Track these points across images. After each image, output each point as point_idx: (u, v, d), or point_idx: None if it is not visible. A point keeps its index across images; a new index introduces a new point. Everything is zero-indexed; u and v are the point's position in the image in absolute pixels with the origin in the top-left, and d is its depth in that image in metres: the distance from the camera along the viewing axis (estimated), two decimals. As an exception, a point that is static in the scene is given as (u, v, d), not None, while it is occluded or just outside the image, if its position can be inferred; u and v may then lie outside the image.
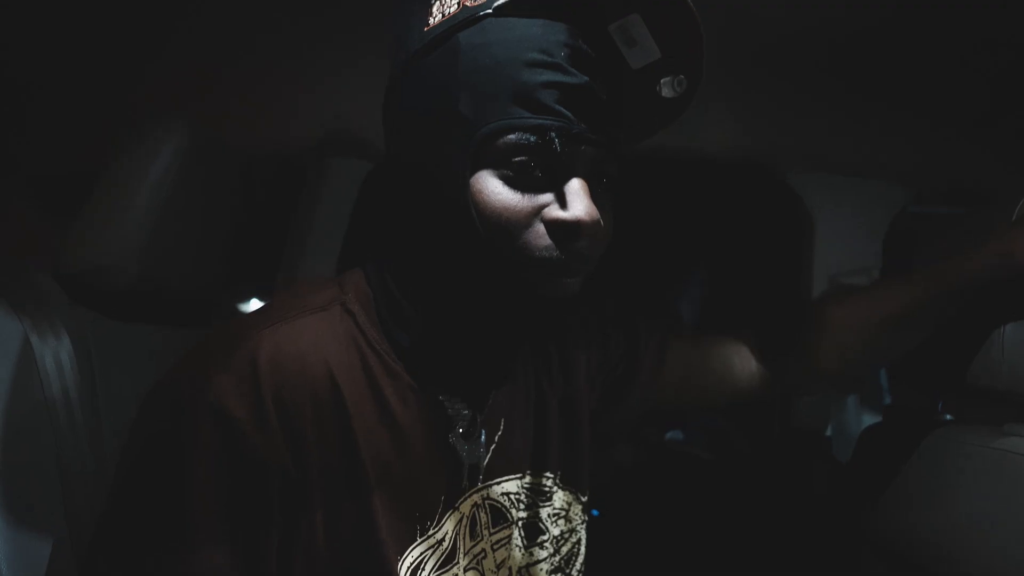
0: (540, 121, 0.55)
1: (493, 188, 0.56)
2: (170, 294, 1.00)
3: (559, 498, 0.76)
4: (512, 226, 0.56)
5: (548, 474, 0.76)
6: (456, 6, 0.58)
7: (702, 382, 0.88)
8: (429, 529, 0.63)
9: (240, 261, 1.15)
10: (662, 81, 0.63)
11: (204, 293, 1.08)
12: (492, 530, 0.69)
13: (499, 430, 0.71)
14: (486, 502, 0.69)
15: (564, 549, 0.76)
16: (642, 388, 0.84)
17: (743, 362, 0.89)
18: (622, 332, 0.85)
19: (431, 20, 0.59)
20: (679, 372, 0.86)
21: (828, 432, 1.40)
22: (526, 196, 0.57)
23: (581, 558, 0.78)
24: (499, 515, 0.70)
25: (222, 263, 1.10)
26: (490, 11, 0.56)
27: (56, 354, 0.82)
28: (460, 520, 0.66)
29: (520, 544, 0.72)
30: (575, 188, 0.57)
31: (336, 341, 0.62)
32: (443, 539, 0.64)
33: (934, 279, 0.83)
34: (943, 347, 0.90)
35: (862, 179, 1.33)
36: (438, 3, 0.60)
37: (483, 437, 0.69)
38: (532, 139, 0.55)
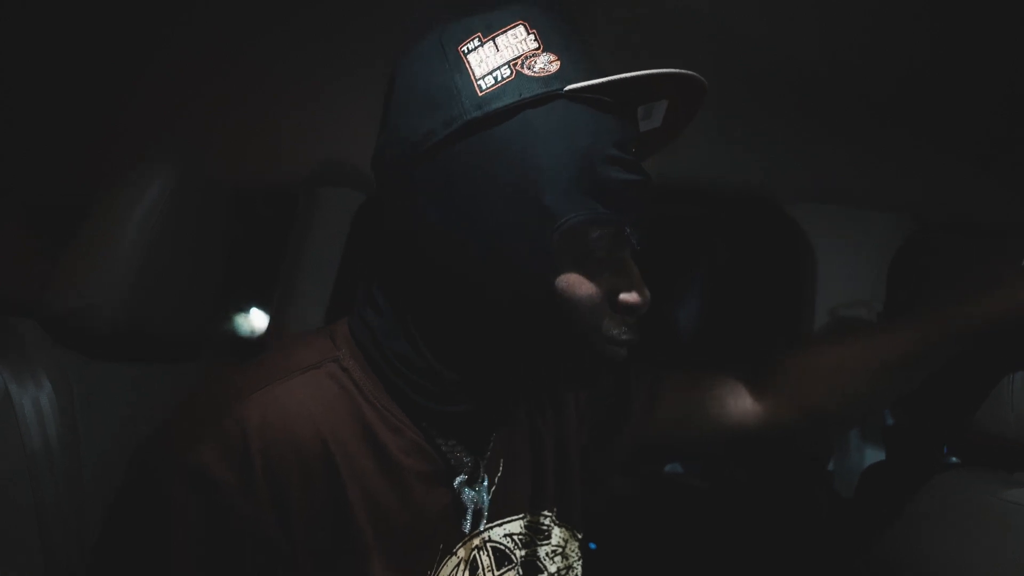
0: (621, 219, 0.58)
1: (576, 279, 0.58)
2: (158, 334, 0.98)
3: (556, 535, 0.76)
4: (591, 312, 0.59)
5: (546, 512, 0.76)
6: (509, 72, 0.55)
7: (696, 423, 0.86)
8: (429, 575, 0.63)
9: (231, 295, 1.13)
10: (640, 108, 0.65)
11: (193, 330, 1.06)
12: (497, 572, 0.69)
13: (499, 472, 0.71)
14: (488, 544, 0.69)
15: None
16: (633, 429, 0.84)
17: (738, 403, 0.87)
18: (611, 375, 0.85)
19: (478, 82, 0.56)
20: (671, 413, 0.85)
21: (830, 467, 1.38)
22: (599, 281, 0.60)
23: None
24: (503, 557, 0.70)
25: (211, 299, 1.08)
26: (561, 92, 0.55)
27: (36, 401, 0.80)
28: (458, 565, 0.65)
29: None
30: (636, 273, 0.62)
31: (328, 402, 0.60)
32: None
33: (939, 325, 0.80)
34: (950, 391, 0.89)
35: (865, 210, 1.32)
36: (476, 58, 0.56)
37: (485, 481, 0.69)
38: (611, 230, 0.58)
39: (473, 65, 0.56)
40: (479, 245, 0.57)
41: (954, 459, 1.02)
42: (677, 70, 0.55)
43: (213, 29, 0.96)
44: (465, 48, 0.56)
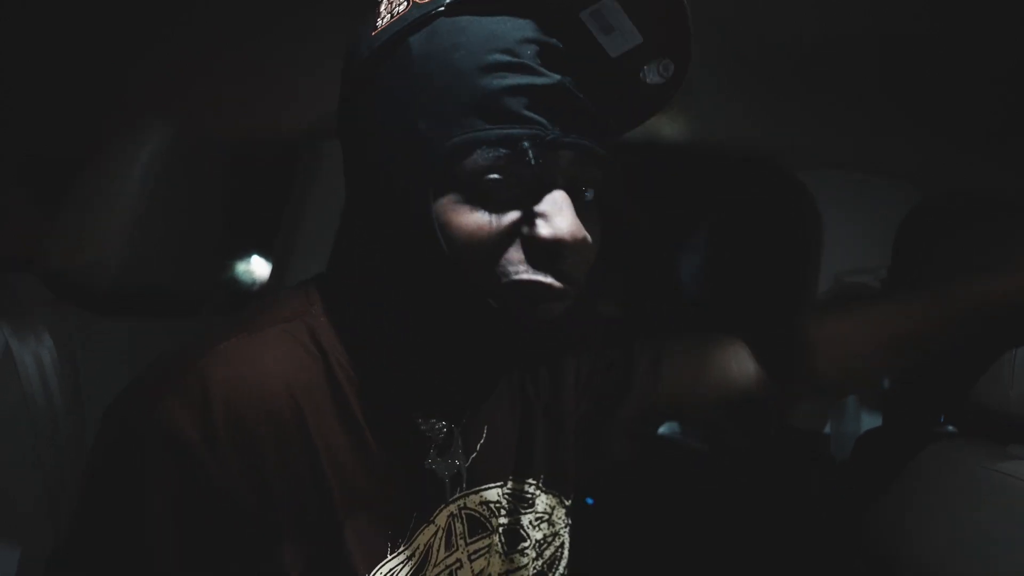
0: (509, 131, 0.49)
1: (462, 210, 0.51)
2: (159, 288, 0.98)
3: (542, 502, 0.74)
4: (486, 250, 0.51)
5: (531, 480, 0.73)
6: (405, 5, 0.52)
7: (699, 391, 0.85)
8: (400, 546, 0.60)
9: (233, 248, 1.12)
10: (646, 67, 0.57)
11: (194, 284, 1.06)
12: (469, 540, 0.66)
13: (480, 439, 0.69)
14: (463, 512, 0.66)
15: (547, 553, 0.74)
16: (637, 397, 0.82)
17: (741, 368, 0.85)
18: (615, 345, 0.83)
19: (379, 22, 0.54)
20: (675, 383, 0.84)
21: (826, 430, 1.40)
22: (499, 215, 0.52)
23: (564, 561, 0.77)
24: (477, 524, 0.67)
25: (212, 252, 1.07)
26: (442, 9, 0.50)
27: (37, 356, 0.81)
28: (436, 532, 0.63)
29: (501, 551, 0.70)
30: (555, 201, 0.52)
31: (296, 359, 0.57)
32: (414, 554, 0.61)
33: (950, 302, 0.79)
34: (951, 361, 0.89)
35: (872, 178, 1.30)
36: (386, 2, 0.55)
37: (461, 449, 0.66)
38: (502, 152, 0.50)
39: (381, 8, 0.54)
40: (384, 199, 0.54)
41: (951, 428, 1.03)
42: None
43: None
44: None
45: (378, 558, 0.58)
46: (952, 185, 1.28)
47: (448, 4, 0.51)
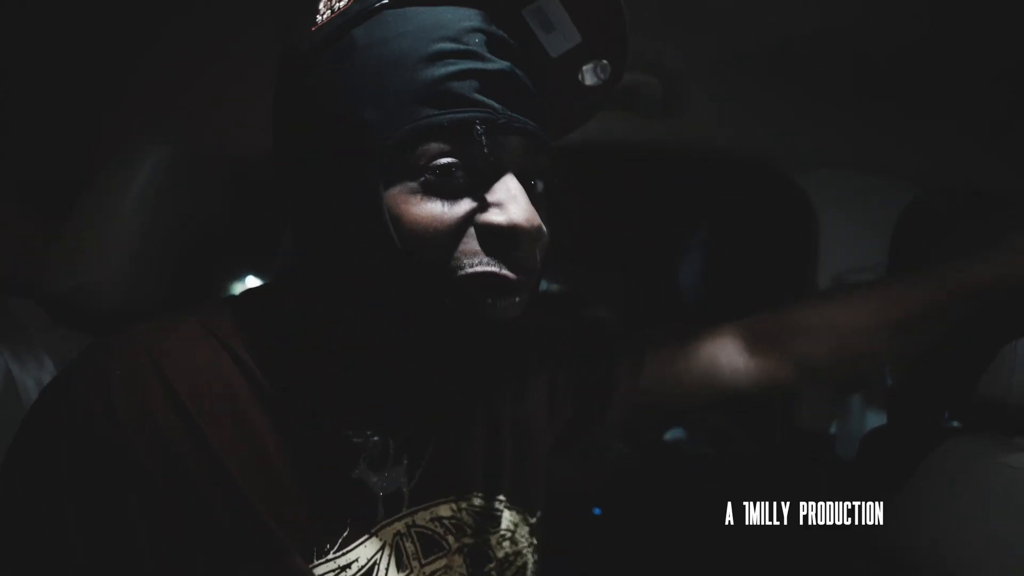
0: (459, 115, 0.48)
1: (413, 200, 0.49)
2: (156, 310, 0.98)
3: (506, 519, 0.70)
4: (440, 242, 0.50)
5: (500, 496, 0.70)
6: (346, 0, 0.52)
7: (686, 387, 0.83)
8: (328, 553, 0.56)
9: (229, 270, 1.12)
10: (584, 68, 0.58)
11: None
12: (424, 560, 0.62)
13: (427, 452, 0.65)
14: (412, 530, 0.62)
15: (508, 573, 0.70)
16: (620, 403, 0.80)
17: (730, 361, 0.83)
18: (595, 348, 0.82)
19: (319, 18, 0.53)
20: (660, 379, 0.82)
21: (831, 431, 1.39)
22: (451, 203, 0.50)
23: None
24: (431, 543, 0.63)
25: (209, 274, 1.07)
26: (386, 1, 0.50)
27: (39, 381, 0.81)
28: (380, 548, 0.59)
29: (464, 572, 0.66)
30: (508, 188, 0.51)
31: (203, 353, 0.55)
32: (349, 565, 0.57)
33: (944, 287, 0.78)
34: (952, 356, 0.89)
35: (868, 176, 1.31)
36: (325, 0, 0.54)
37: (405, 463, 0.62)
38: (452, 138, 0.49)
39: (321, 4, 0.54)
40: (327, 194, 0.52)
41: (955, 423, 1.03)
42: None
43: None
44: None
45: (300, 560, 0.55)
46: (947, 182, 1.29)
47: None
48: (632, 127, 1.21)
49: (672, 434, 1.72)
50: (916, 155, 1.25)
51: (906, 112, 1.09)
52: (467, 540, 0.66)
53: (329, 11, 0.53)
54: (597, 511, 1.57)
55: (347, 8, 0.52)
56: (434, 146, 0.49)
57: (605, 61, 0.57)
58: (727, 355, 0.83)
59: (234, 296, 0.64)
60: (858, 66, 0.97)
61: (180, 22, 0.98)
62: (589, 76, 0.58)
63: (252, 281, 1.40)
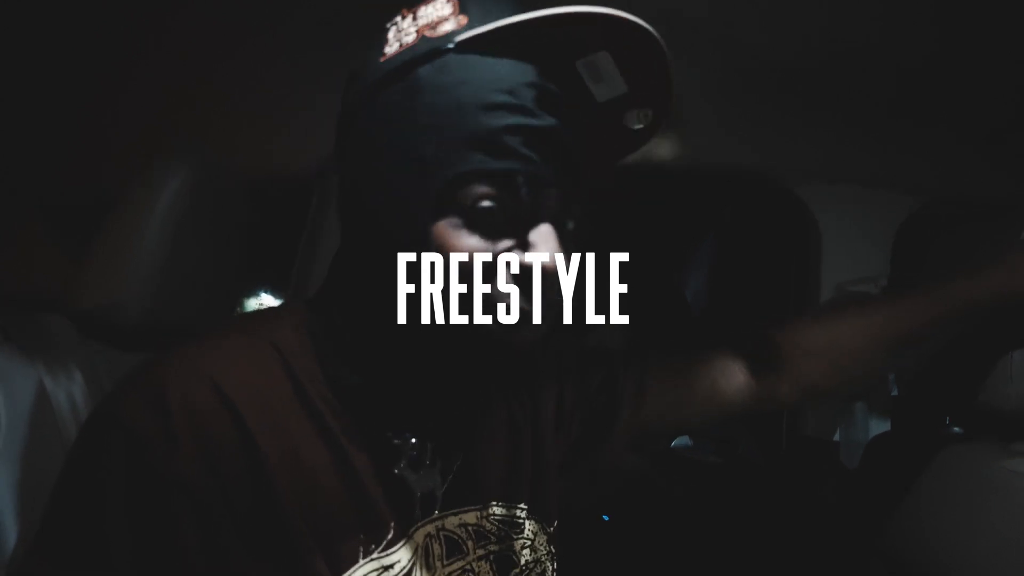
0: (506, 166, 0.54)
1: (458, 234, 0.55)
2: (181, 326, 1.01)
3: (528, 528, 0.73)
4: (471, 266, 0.55)
5: (522, 505, 0.73)
6: (414, 36, 0.56)
7: (688, 407, 0.85)
8: (374, 552, 0.60)
9: (251, 285, 1.15)
10: (627, 114, 0.62)
11: (215, 321, 1.08)
12: (445, 562, 0.65)
13: (457, 461, 0.69)
14: (440, 533, 0.66)
15: None
16: (625, 422, 0.82)
17: (731, 382, 0.85)
18: (599, 367, 0.84)
19: (387, 49, 0.57)
20: (662, 401, 0.84)
21: (836, 437, 1.41)
22: (490, 240, 0.56)
23: None
24: (454, 547, 0.67)
25: (232, 290, 1.10)
26: (451, 47, 0.55)
27: (70, 393, 0.83)
28: (415, 550, 0.63)
29: None
30: (542, 233, 0.56)
31: (258, 366, 0.58)
32: (392, 565, 0.61)
33: (942, 302, 0.81)
34: (953, 364, 0.91)
35: (868, 188, 1.33)
36: (394, 29, 0.58)
37: (439, 466, 0.67)
38: (498, 184, 0.54)
39: (389, 36, 0.58)
40: (379, 219, 0.57)
41: (957, 429, 1.05)
42: (580, 8, 0.52)
43: (223, 19, 0.97)
44: (390, 23, 0.59)
45: (348, 562, 0.58)
46: (947, 192, 1.31)
47: (457, 42, 0.55)
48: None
49: (679, 441, 1.73)
50: (916, 166, 1.26)
51: (906, 124, 1.11)
52: (492, 547, 0.69)
53: (398, 44, 0.57)
54: (606, 518, 1.59)
55: (415, 44, 0.56)
56: (481, 189, 0.54)
57: (648, 109, 0.61)
58: (729, 376, 0.86)
59: (277, 308, 0.68)
60: (859, 79, 0.99)
61: (193, 41, 1.01)
62: (632, 120, 0.62)
63: (267, 298, 1.43)
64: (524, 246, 0.56)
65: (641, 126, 0.63)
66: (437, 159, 0.54)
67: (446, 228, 0.55)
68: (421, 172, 0.54)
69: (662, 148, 1.29)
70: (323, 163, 1.32)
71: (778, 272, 1.57)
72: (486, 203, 0.55)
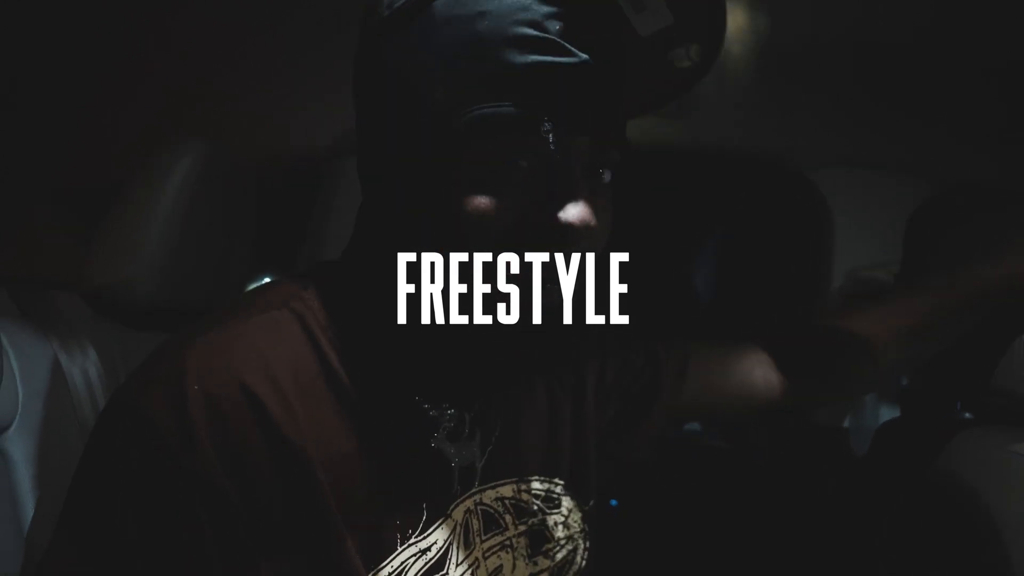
0: (530, 112, 0.47)
1: (473, 189, 0.49)
2: (190, 305, 1.01)
3: (564, 504, 0.72)
4: (494, 231, 0.49)
5: (558, 480, 0.71)
6: None
7: (722, 398, 0.85)
8: (411, 538, 0.57)
9: (260, 267, 1.16)
10: (674, 51, 0.54)
11: (224, 299, 1.09)
12: (484, 537, 0.63)
13: (495, 432, 0.66)
14: (479, 508, 0.63)
15: (559, 556, 0.71)
16: (664, 407, 0.82)
17: (765, 375, 0.86)
18: (641, 351, 0.83)
19: None
20: (699, 389, 0.84)
21: (845, 424, 1.41)
22: (511, 196, 0.49)
23: (575, 567, 0.73)
24: (492, 521, 0.64)
25: (241, 269, 1.11)
26: None
27: (84, 370, 0.84)
28: (454, 528, 0.60)
29: (524, 553, 0.66)
30: (570, 188, 0.50)
31: (286, 344, 0.54)
32: (429, 548, 0.58)
33: (957, 291, 0.81)
34: (964, 350, 0.90)
35: (881, 173, 1.32)
36: None
37: (477, 438, 0.63)
38: (520, 132, 0.48)
39: None
40: (392, 170, 0.53)
41: (967, 415, 1.04)
42: None
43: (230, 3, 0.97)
44: None
45: (387, 551, 0.56)
46: (961, 178, 1.30)
47: None
48: (646, 126, 1.23)
49: (688, 426, 1.73)
50: (930, 152, 1.26)
51: (920, 109, 1.11)
52: (529, 520, 0.67)
53: None
54: (613, 502, 1.59)
55: None
56: (500, 137, 0.48)
57: (697, 44, 0.54)
58: (761, 371, 0.86)
59: (298, 276, 0.62)
60: (872, 65, 0.98)
61: (210, 32, 1.01)
62: (679, 59, 0.55)
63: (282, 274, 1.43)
64: (550, 201, 0.50)
65: (688, 64, 0.55)
66: (454, 100, 0.48)
67: (463, 180, 0.49)
68: (437, 115, 0.48)
69: (666, 135, 1.28)
70: (331, 146, 1.32)
71: (791, 257, 1.56)
72: (508, 151, 0.49)
